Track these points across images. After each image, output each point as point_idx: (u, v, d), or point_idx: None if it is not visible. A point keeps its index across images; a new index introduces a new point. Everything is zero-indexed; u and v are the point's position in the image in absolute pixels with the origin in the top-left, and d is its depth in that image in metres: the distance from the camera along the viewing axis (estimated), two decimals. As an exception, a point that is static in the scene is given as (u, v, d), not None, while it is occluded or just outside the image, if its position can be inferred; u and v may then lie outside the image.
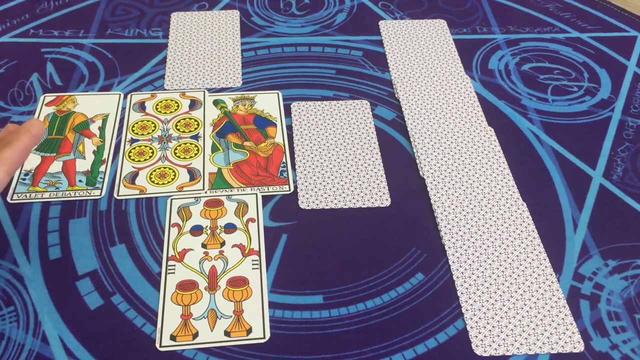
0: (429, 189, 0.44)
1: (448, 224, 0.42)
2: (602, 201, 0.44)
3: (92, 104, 0.49)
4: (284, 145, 0.47)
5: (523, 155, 0.47)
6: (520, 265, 0.40)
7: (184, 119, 0.48)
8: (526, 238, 0.41)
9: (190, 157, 0.45)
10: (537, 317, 0.37)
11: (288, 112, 0.49)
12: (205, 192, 0.43)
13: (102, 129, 0.47)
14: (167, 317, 0.36)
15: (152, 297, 0.37)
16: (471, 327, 0.36)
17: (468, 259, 0.40)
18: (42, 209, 0.42)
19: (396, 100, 0.51)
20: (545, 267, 0.40)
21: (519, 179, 0.45)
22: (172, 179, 0.44)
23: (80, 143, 0.46)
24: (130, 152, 0.45)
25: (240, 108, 0.49)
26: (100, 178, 0.44)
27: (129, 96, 0.50)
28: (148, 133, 0.47)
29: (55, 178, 0.43)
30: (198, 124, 0.48)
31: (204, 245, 0.40)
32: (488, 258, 0.40)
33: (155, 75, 0.52)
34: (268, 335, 0.36)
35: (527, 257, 0.40)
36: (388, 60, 0.54)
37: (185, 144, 0.46)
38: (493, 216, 0.42)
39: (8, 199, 0.42)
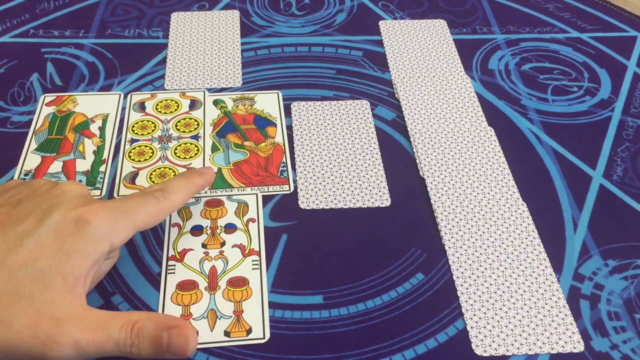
0: (429, 189, 0.44)
1: (448, 224, 0.42)
2: (602, 201, 0.44)
3: (92, 104, 0.49)
4: (284, 145, 0.47)
5: (523, 155, 0.47)
6: (520, 265, 0.40)
7: (184, 119, 0.48)
8: (526, 238, 0.41)
9: (190, 157, 0.45)
10: (537, 317, 0.37)
11: (288, 112, 0.49)
12: (206, 192, 0.43)
13: (102, 129, 0.47)
14: (167, 317, 0.36)
15: (152, 297, 0.37)
16: (471, 327, 0.36)
17: (468, 259, 0.40)
18: (42, 209, 0.42)
19: (396, 100, 0.51)
20: (545, 267, 0.40)
21: (519, 179, 0.45)
22: (172, 179, 0.44)
23: (80, 143, 0.46)
24: (130, 152, 0.46)
25: (240, 108, 0.49)
26: (101, 178, 0.44)
27: (129, 96, 0.50)
28: (148, 133, 0.47)
29: (55, 178, 0.43)
30: (198, 124, 0.48)
31: (204, 245, 0.40)
32: (488, 258, 0.40)
33: (155, 75, 0.52)
34: (268, 336, 0.36)
35: (527, 257, 0.40)
36: (388, 60, 0.55)
37: (185, 144, 0.46)
38: (493, 216, 0.42)
39: (8, 199, 0.42)
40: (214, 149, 0.46)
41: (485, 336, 0.36)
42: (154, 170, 0.44)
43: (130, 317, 0.30)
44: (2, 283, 0.29)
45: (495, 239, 0.41)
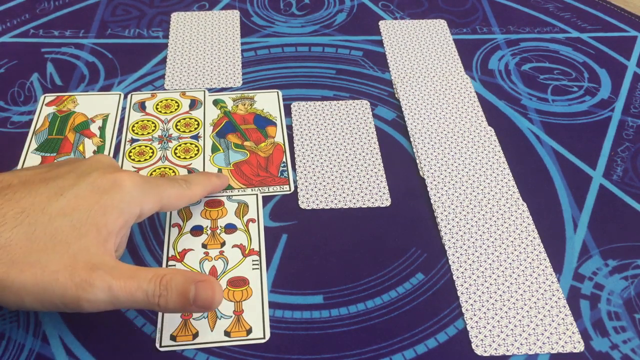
0: (429, 189, 0.44)
1: (448, 224, 0.42)
2: (602, 201, 0.44)
3: (92, 104, 0.49)
4: (284, 145, 0.47)
5: (523, 155, 0.47)
6: (520, 265, 0.40)
7: (184, 118, 0.48)
8: (526, 238, 0.41)
9: (191, 157, 0.45)
10: (537, 317, 0.37)
11: (288, 112, 0.49)
12: (206, 192, 0.43)
13: (102, 129, 0.47)
14: (167, 317, 0.36)
15: (152, 297, 0.37)
16: (471, 327, 0.36)
17: (468, 259, 0.40)
18: (42, 209, 0.42)
19: (396, 100, 0.51)
20: (545, 267, 0.40)
21: (519, 179, 0.45)
22: (172, 179, 0.44)
23: (80, 143, 0.46)
24: (130, 152, 0.46)
25: (240, 107, 0.49)
26: (101, 178, 0.44)
27: (129, 96, 0.50)
28: (148, 133, 0.47)
29: (55, 178, 0.43)
30: (198, 124, 0.48)
31: (204, 246, 0.40)
32: (488, 258, 0.40)
33: (155, 75, 0.52)
34: (268, 336, 0.36)
35: (527, 257, 0.40)
36: (388, 60, 0.55)
37: (185, 144, 0.46)
38: (493, 216, 0.42)
39: (8, 199, 0.42)
40: (214, 149, 0.46)
41: (485, 336, 0.36)
42: (154, 170, 0.44)
43: (159, 271, 0.31)
44: (41, 228, 0.30)
45: (495, 239, 0.41)
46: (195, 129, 0.48)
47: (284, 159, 0.46)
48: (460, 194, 0.44)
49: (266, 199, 0.43)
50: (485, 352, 0.35)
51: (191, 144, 0.46)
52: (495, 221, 0.42)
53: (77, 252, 0.30)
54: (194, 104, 0.50)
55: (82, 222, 0.31)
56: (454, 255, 0.40)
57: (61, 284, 0.29)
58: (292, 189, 0.44)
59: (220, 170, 0.45)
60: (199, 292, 0.31)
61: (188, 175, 0.41)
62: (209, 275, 0.37)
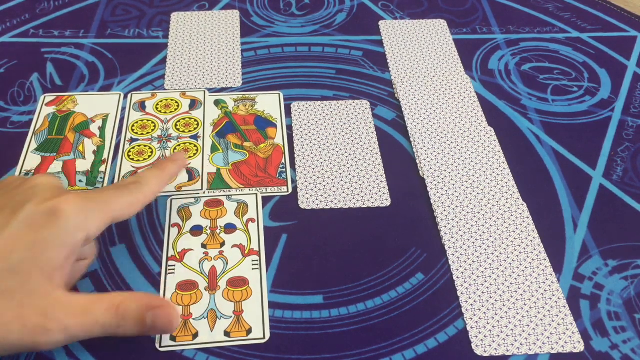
0: (429, 189, 0.44)
1: (448, 224, 0.42)
2: (602, 201, 0.44)
3: (92, 104, 0.49)
4: (284, 147, 0.47)
5: (523, 155, 0.47)
6: (520, 265, 0.40)
7: (184, 118, 0.48)
8: (526, 238, 0.41)
9: (190, 157, 0.45)
10: (537, 317, 0.37)
11: (288, 112, 0.49)
12: (204, 192, 0.43)
13: (102, 128, 0.47)
14: (167, 317, 0.36)
15: (152, 297, 0.37)
16: (471, 327, 0.36)
17: (468, 259, 0.40)
18: (42, 209, 0.42)
19: (396, 100, 0.51)
20: (545, 267, 0.40)
21: (519, 179, 0.45)
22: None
23: (80, 143, 0.46)
24: (129, 151, 0.46)
25: (241, 108, 0.49)
26: (101, 178, 0.44)
27: (129, 96, 0.50)
28: (148, 133, 0.47)
29: (55, 178, 0.43)
30: (198, 124, 0.48)
31: (204, 246, 0.40)
32: (488, 258, 0.40)
33: (155, 75, 0.52)
34: (268, 336, 0.36)
35: (527, 257, 0.40)
36: (388, 60, 0.55)
37: (184, 143, 0.46)
38: (493, 216, 0.42)
39: (8, 199, 0.42)
40: (214, 149, 0.46)
41: (485, 336, 0.36)
42: (154, 170, 0.44)
43: (113, 299, 0.31)
44: None
45: (495, 239, 0.41)
46: (195, 129, 0.47)
47: (283, 161, 0.46)
48: (460, 194, 0.44)
49: (266, 199, 0.43)
50: (485, 352, 0.35)
51: (190, 143, 0.46)
52: (495, 221, 0.42)
53: (24, 299, 0.29)
54: (194, 104, 0.50)
55: (22, 264, 0.29)
56: (454, 255, 0.40)
57: (15, 334, 0.28)
58: (290, 190, 0.44)
59: (218, 170, 0.44)
60: (156, 320, 0.31)
61: (139, 174, 0.37)
62: (163, 298, 0.36)
